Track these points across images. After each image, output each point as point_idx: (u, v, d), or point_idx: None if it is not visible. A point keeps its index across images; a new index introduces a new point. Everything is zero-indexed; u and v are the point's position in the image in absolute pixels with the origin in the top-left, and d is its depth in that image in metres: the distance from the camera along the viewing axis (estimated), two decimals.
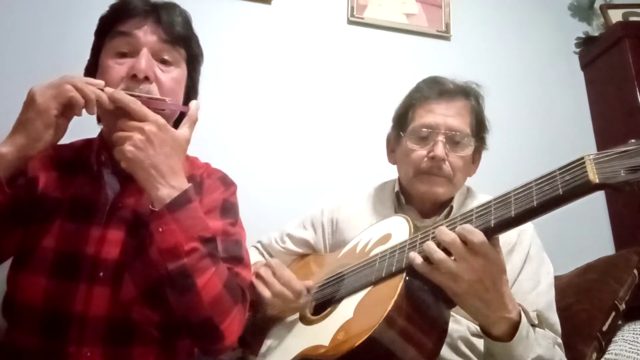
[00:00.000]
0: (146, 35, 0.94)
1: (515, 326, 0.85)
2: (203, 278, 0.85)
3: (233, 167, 1.19)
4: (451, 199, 1.19)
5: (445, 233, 0.81)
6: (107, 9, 0.99)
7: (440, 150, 1.13)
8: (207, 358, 0.98)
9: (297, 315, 1.05)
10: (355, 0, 2.05)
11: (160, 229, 0.84)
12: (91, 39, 1.01)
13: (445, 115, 1.16)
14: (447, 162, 1.14)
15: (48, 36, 1.70)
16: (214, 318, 0.86)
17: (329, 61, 1.98)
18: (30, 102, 0.83)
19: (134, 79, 0.92)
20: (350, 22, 2.05)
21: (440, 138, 1.14)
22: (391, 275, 0.88)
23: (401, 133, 1.22)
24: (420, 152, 1.16)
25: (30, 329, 0.88)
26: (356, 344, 0.79)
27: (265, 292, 1.05)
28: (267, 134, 1.85)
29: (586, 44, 2.21)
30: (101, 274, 0.90)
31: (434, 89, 1.20)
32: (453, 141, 1.16)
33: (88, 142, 1.04)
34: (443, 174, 1.15)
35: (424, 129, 1.17)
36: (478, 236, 0.78)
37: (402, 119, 1.23)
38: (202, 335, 0.89)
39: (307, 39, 1.98)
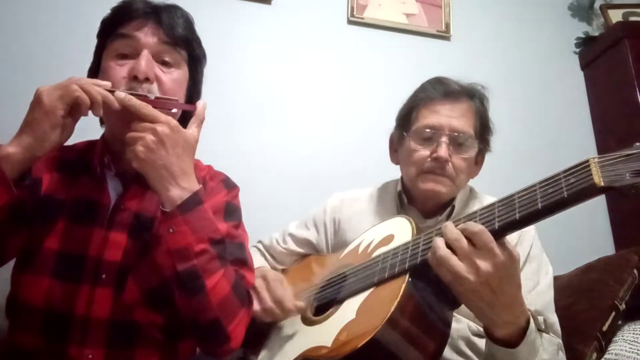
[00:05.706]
0: (147, 36, 0.95)
1: (521, 330, 0.83)
2: (212, 279, 0.85)
3: (233, 167, 1.19)
4: (453, 199, 1.19)
5: (451, 230, 0.80)
6: (108, 11, 1.00)
7: (443, 151, 1.13)
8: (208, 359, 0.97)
9: (299, 316, 1.05)
10: (355, 0, 2.05)
11: (171, 230, 0.83)
12: (93, 40, 1.02)
13: (450, 116, 1.16)
14: (450, 163, 1.14)
15: (52, 38, 1.70)
16: (221, 320, 0.86)
17: (329, 61, 1.98)
18: (37, 102, 0.82)
19: (135, 79, 0.92)
20: (350, 22, 2.05)
21: (444, 139, 1.14)
22: (394, 276, 0.88)
23: (404, 133, 1.22)
24: (424, 152, 1.16)
25: (33, 329, 0.87)
26: (359, 345, 0.78)
27: (255, 306, 1.03)
28: (268, 134, 1.85)
29: (586, 44, 2.22)
30: (103, 275, 0.90)
31: (438, 90, 1.19)
32: (456, 143, 1.15)
33: (91, 144, 1.04)
34: (446, 174, 1.14)
35: (427, 130, 1.16)
36: (483, 233, 0.76)
37: (405, 119, 1.23)
38: (209, 337, 0.88)
39: (307, 39, 1.98)
